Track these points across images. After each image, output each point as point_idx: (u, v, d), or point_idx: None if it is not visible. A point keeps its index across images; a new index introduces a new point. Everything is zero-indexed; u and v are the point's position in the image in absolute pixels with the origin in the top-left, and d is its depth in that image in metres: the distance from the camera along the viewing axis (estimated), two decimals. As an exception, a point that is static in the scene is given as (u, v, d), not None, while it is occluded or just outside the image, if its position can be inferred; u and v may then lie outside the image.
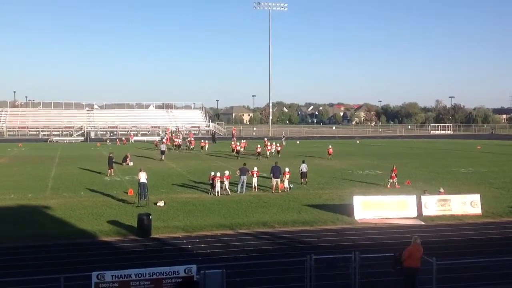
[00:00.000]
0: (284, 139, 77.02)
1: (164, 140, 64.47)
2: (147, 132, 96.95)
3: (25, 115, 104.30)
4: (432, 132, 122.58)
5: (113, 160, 39.05)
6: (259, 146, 53.03)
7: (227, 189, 29.22)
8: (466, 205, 24.37)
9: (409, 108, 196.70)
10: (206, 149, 60.11)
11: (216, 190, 28.66)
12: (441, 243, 18.83)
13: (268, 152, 53.69)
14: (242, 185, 29.80)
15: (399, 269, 13.33)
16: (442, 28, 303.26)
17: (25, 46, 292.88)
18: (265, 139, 64.97)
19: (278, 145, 55.67)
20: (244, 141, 62.33)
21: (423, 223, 22.75)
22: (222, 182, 28.99)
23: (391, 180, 31.94)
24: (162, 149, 51.45)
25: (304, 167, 33.20)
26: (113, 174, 37.37)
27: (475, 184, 33.13)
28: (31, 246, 18.45)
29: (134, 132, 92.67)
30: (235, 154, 52.03)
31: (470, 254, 16.90)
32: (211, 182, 29.08)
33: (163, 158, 49.55)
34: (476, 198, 24.71)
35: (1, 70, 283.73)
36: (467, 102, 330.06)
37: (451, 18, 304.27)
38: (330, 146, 54.21)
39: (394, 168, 32.24)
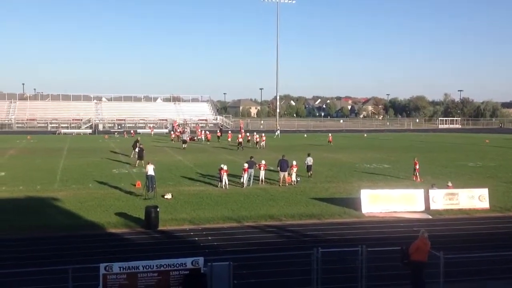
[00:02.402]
0: (279, 132, 77.73)
1: (173, 133, 66.97)
2: (154, 124, 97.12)
3: (33, 107, 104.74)
4: (440, 126, 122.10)
5: (144, 152, 39.33)
6: (257, 136, 57.64)
7: (244, 181, 29.35)
8: (474, 199, 24.29)
9: (417, 102, 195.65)
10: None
11: (224, 183, 28.73)
12: (449, 237, 18.78)
13: (263, 143, 56.52)
14: (249, 178, 29.82)
15: (406, 262, 13.31)
16: (450, 21, 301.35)
17: (34, 38, 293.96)
18: (242, 130, 67.41)
19: (248, 135, 59.39)
20: (230, 132, 67.80)
21: (430, 217, 22.70)
22: (246, 175, 29.25)
23: (417, 173, 31.95)
24: (184, 138, 56.28)
25: (309, 160, 33.17)
26: (142, 165, 36.63)
27: (483, 178, 33.01)
28: (39, 237, 18.58)
29: (152, 125, 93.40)
30: (237, 146, 54.31)
31: (477, 248, 16.86)
32: (219, 175, 29.20)
33: (184, 147, 53.75)
34: (484, 192, 24.61)
35: (10, 62, 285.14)
36: (476, 95, 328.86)
37: (459, 11, 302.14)
38: (330, 134, 63.74)
39: (416, 161, 32.23)
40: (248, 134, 63.86)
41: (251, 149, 52.65)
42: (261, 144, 56.16)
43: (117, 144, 60.77)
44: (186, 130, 72.30)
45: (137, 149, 40.19)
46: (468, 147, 60.71)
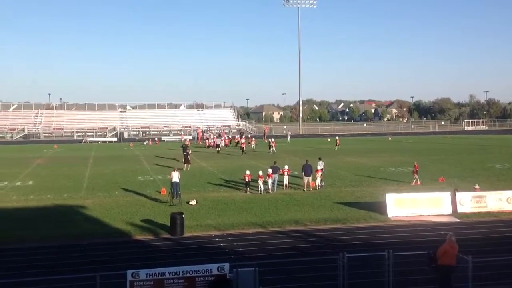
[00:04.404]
0: (290, 137, 77.46)
1: (188, 139, 68.40)
2: (178, 132, 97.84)
3: (60, 117, 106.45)
4: (466, 128, 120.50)
5: (189, 156, 41.71)
6: (271, 140, 58.65)
7: (269, 187, 29.38)
8: (502, 201, 23.92)
9: (442, 104, 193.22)
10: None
11: (260, 189, 28.90)
12: (477, 240, 18.51)
13: (274, 147, 56.47)
14: (273, 183, 29.82)
15: (434, 267, 13.15)
16: (474, 21, 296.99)
17: (59, 49, 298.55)
18: (249, 135, 68.12)
19: (242, 138, 61.37)
20: (228, 137, 70.89)
21: (458, 220, 22.40)
22: (266, 182, 29.29)
23: (416, 176, 31.62)
24: (217, 143, 59.19)
25: (321, 164, 32.92)
26: (188, 168, 39.89)
27: (511, 180, 32.42)
28: (66, 245, 18.82)
29: (182, 132, 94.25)
30: (240, 150, 54.75)
31: (506, 252, 16.57)
32: (246, 180, 29.31)
33: (219, 151, 56.44)
34: (512, 194, 24.21)
35: (37, 73, 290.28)
36: (502, 96, 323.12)
37: (483, 11, 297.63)
38: (337, 138, 63.99)
39: (416, 164, 31.94)
40: (253, 138, 66.24)
41: (259, 154, 53.09)
42: (273, 148, 55.81)
43: (142, 151, 61.33)
44: (210, 135, 73.46)
45: (185, 153, 42.42)
46: (495, 148, 59.77)
